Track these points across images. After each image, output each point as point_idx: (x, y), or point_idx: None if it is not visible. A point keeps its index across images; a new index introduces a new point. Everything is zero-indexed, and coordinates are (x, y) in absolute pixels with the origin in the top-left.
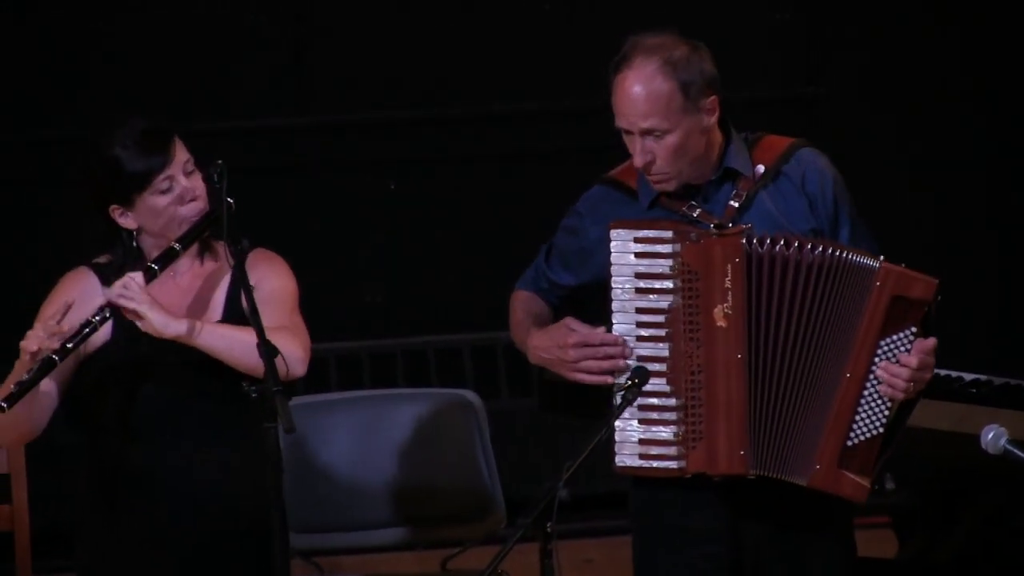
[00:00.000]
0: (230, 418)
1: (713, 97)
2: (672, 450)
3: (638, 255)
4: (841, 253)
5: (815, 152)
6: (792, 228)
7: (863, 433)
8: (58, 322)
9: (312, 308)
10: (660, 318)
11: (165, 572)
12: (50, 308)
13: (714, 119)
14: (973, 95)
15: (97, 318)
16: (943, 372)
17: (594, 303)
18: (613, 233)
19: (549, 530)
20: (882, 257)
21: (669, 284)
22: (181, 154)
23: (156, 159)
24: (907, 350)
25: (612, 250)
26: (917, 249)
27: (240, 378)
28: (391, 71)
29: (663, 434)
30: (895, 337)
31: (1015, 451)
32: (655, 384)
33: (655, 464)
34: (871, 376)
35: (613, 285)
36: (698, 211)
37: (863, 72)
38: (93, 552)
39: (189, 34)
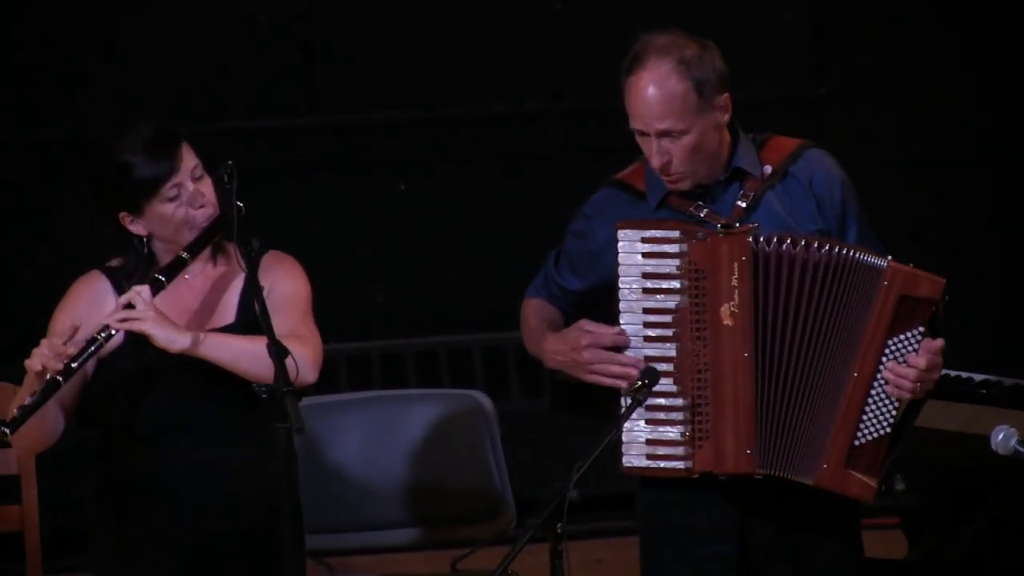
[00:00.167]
0: (238, 420)
1: (726, 94)
2: (679, 450)
3: (645, 255)
4: (848, 252)
5: (823, 153)
6: (799, 229)
7: (870, 433)
8: (64, 343)
9: (322, 308)
10: (667, 318)
11: (173, 573)
12: (62, 319)
13: (727, 116)
14: (973, 95)
15: (102, 335)
16: (953, 373)
17: (604, 306)
18: (620, 233)
19: (559, 531)
20: (890, 256)
21: (676, 284)
22: (189, 160)
23: (163, 166)
24: (914, 350)
25: (619, 250)
26: (917, 249)
27: (247, 382)
28: (392, 72)
29: (670, 434)
30: (903, 337)
31: None
32: (662, 384)
33: (662, 464)
34: (878, 376)
35: (620, 285)
36: (705, 211)
37: (863, 72)
38: (105, 554)
39: (189, 35)
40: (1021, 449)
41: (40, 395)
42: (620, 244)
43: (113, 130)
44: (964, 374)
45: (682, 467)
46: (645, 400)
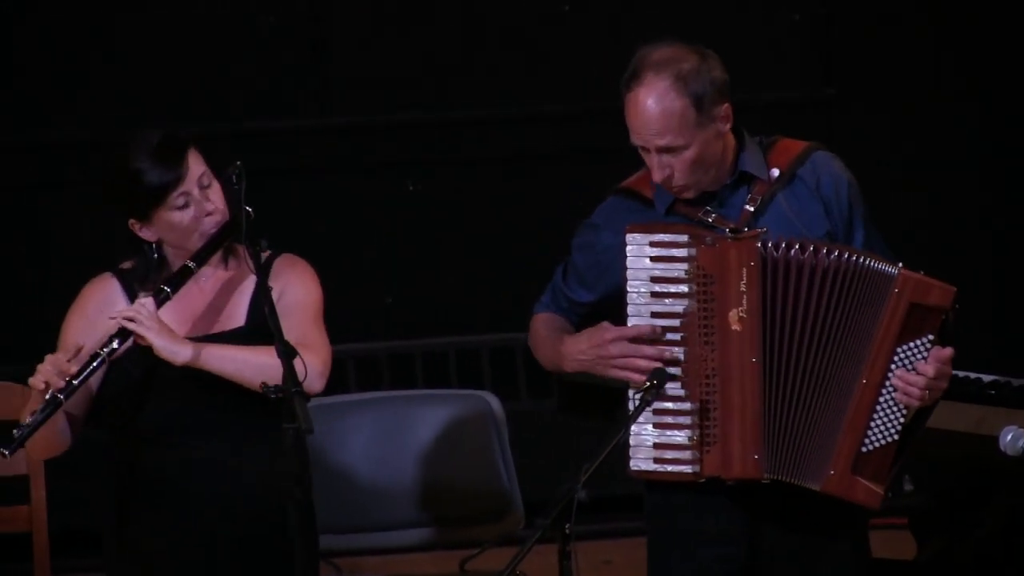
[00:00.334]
0: (249, 421)
1: (726, 104)
2: (687, 454)
3: (653, 259)
4: (858, 258)
5: (830, 155)
6: (807, 232)
7: (878, 440)
8: (69, 360)
9: (330, 310)
10: (675, 322)
11: (187, 573)
12: (73, 322)
13: (728, 126)
14: (967, 95)
15: (105, 350)
16: (961, 374)
17: (613, 316)
18: (629, 237)
19: (567, 531)
20: (900, 263)
21: (684, 288)
22: (196, 167)
23: (169, 175)
24: (924, 358)
25: (628, 254)
26: (910, 249)
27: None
28: (397, 74)
29: (677, 438)
30: (912, 344)
31: None
32: (670, 388)
33: (669, 468)
34: (887, 383)
35: (628, 289)
36: (714, 216)
37: (856, 72)
38: (117, 555)
39: (192, 36)
40: None
41: (40, 413)
42: (628, 248)
43: (120, 135)
44: (972, 375)
45: (690, 471)
46: (653, 401)
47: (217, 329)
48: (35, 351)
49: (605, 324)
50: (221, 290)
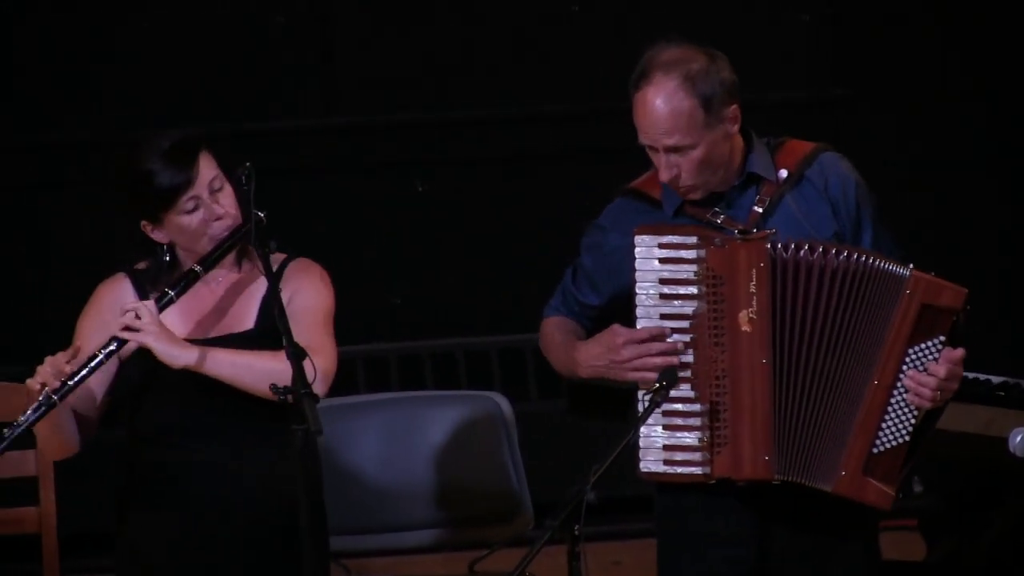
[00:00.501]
0: (244, 425)
1: (734, 105)
2: (697, 456)
3: (662, 260)
4: (869, 260)
5: (837, 156)
6: (816, 233)
7: (889, 441)
8: (67, 361)
9: (339, 311)
10: (685, 323)
11: (196, 573)
12: (86, 322)
13: (736, 127)
14: (973, 95)
15: (103, 353)
16: (970, 375)
17: (623, 318)
18: (637, 239)
19: (577, 532)
20: (912, 264)
21: (693, 289)
22: (207, 171)
23: (179, 178)
24: (935, 359)
25: (636, 255)
26: (918, 249)
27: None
28: (393, 72)
29: (688, 440)
30: (923, 346)
31: None
32: (680, 390)
33: (680, 470)
34: (898, 384)
35: (637, 291)
36: (722, 217)
37: (864, 73)
38: (127, 554)
39: (195, 37)
40: None
41: (33, 413)
42: (637, 249)
43: (120, 135)
44: (982, 376)
45: (700, 473)
46: (663, 402)
47: (226, 331)
48: (35, 351)
49: (615, 327)
50: (232, 292)
